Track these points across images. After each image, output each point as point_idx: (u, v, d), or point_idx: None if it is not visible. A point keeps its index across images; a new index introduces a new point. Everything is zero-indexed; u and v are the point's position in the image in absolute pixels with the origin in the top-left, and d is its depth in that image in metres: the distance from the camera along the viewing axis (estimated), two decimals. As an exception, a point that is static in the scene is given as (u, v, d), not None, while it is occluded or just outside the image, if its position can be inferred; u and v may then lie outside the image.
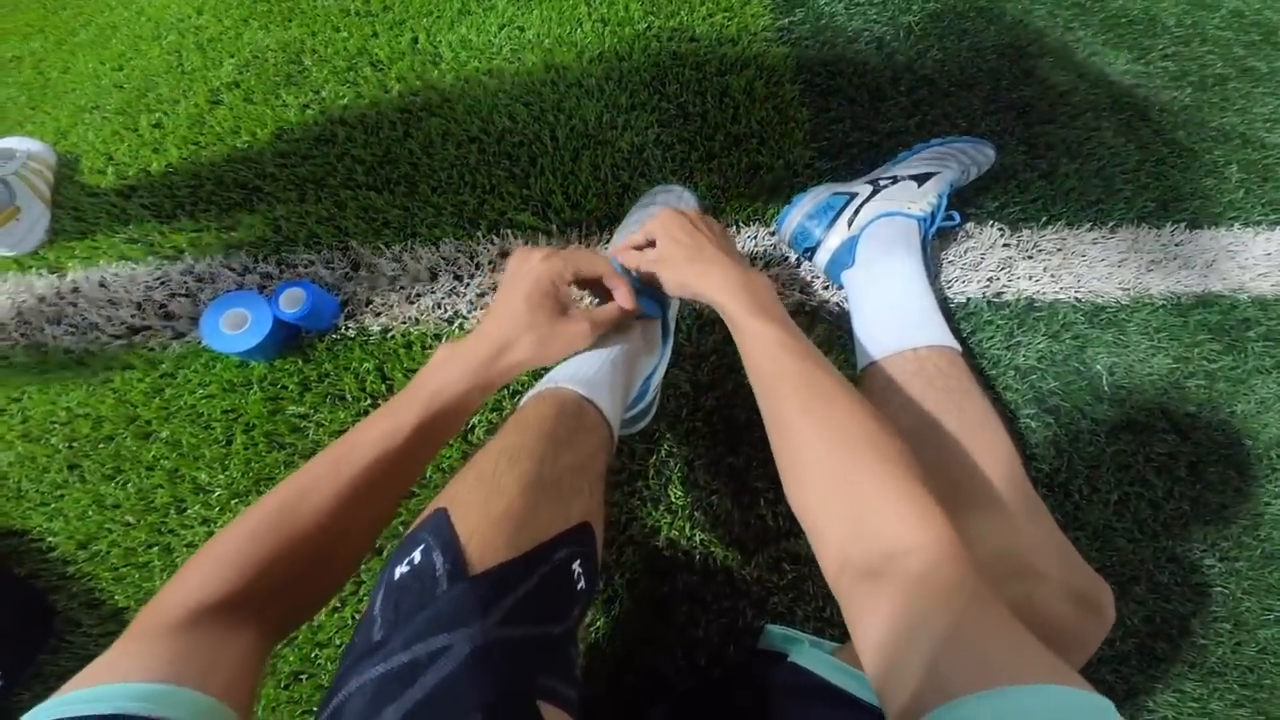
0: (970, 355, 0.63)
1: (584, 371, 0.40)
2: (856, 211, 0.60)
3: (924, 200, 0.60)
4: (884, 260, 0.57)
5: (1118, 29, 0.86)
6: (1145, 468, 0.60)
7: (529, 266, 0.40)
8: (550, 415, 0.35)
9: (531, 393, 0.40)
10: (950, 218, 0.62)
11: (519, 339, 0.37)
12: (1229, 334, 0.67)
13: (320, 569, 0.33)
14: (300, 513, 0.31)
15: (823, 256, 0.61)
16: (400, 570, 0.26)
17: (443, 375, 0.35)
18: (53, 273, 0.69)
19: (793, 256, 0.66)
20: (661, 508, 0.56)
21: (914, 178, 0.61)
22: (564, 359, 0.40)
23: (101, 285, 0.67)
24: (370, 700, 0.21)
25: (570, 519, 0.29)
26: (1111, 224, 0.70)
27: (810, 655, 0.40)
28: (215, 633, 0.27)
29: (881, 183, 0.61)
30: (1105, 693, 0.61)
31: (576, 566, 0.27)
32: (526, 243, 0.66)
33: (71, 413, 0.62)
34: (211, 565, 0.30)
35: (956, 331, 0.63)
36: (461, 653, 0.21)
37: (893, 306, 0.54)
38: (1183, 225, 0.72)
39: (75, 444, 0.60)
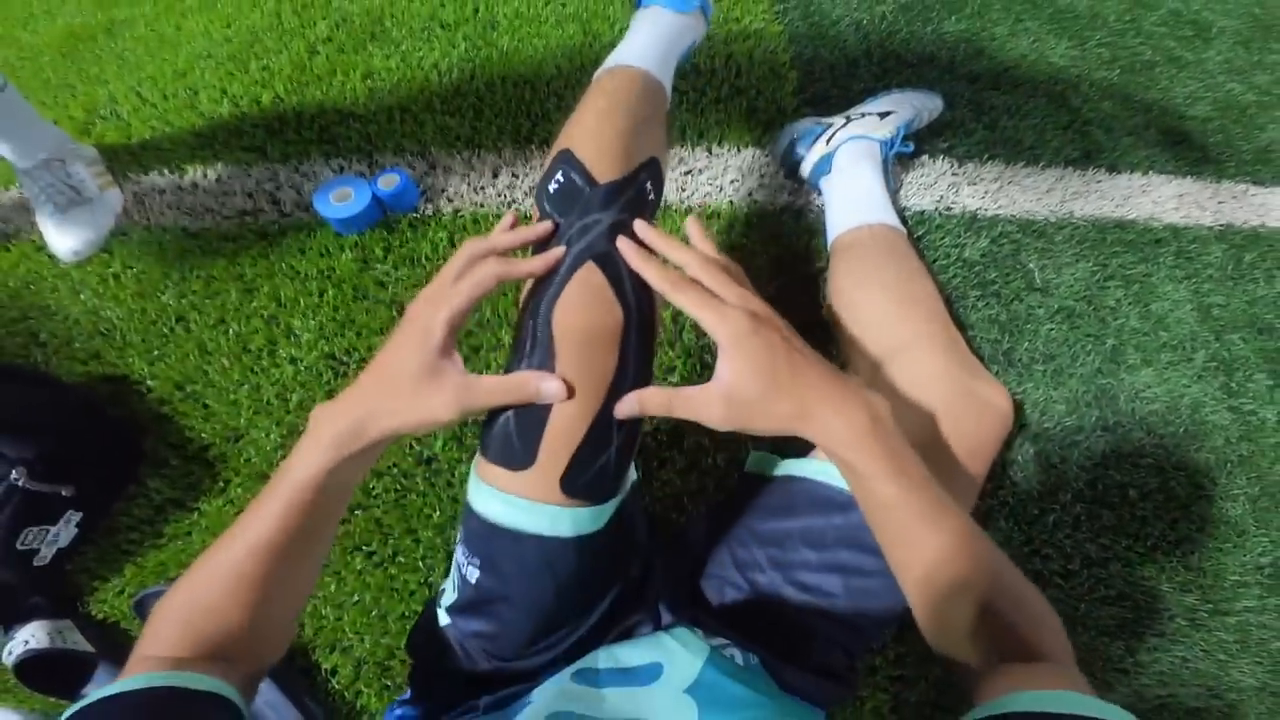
0: (920, 247, 0.77)
1: (649, 51, 0.51)
2: (833, 135, 0.76)
3: (885, 129, 0.76)
4: (852, 168, 0.72)
5: (1062, 21, 1.04)
6: (1075, 347, 0.73)
7: (418, 310, 0.35)
8: (626, 86, 0.47)
9: (608, 66, 0.50)
10: (906, 146, 0.78)
11: (380, 410, 0.33)
12: (1143, 250, 0.81)
13: (260, 636, 0.33)
14: (211, 607, 0.31)
15: (806, 167, 0.76)
16: (552, 186, 0.40)
17: (303, 460, 0.32)
18: (172, 172, 0.84)
19: (782, 170, 0.81)
20: (676, 349, 0.69)
21: (878, 114, 0.77)
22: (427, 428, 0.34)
23: (218, 181, 0.82)
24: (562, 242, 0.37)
25: (644, 155, 0.42)
26: (1042, 164, 0.86)
27: (786, 465, 0.50)
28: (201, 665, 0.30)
29: (852, 116, 0.77)
30: (1063, 560, 0.64)
31: (648, 185, 0.41)
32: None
33: (184, 274, 0.75)
34: (170, 629, 0.31)
35: (907, 227, 0.77)
36: (607, 221, 0.38)
37: (857, 199, 0.70)
38: (1103, 169, 0.87)
39: (185, 299, 0.73)
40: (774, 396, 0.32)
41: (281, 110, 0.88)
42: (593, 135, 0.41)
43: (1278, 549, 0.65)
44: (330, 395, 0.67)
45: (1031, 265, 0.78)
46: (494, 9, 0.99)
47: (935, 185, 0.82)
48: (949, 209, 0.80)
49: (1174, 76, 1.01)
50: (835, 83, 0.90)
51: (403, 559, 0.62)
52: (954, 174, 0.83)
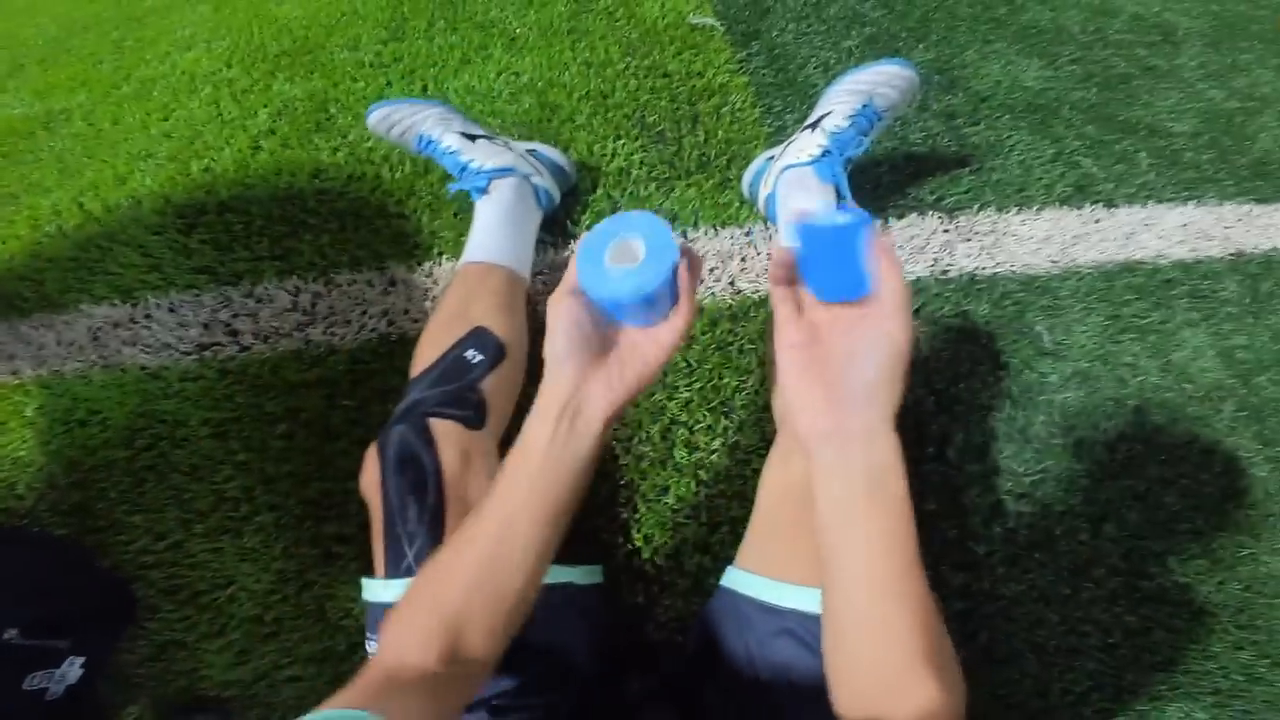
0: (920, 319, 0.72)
1: (501, 245, 0.64)
2: (770, 173, 0.69)
3: (813, 145, 0.63)
4: (785, 208, 0.65)
5: (1029, 39, 0.99)
6: (1095, 414, 0.68)
7: (550, 313, 0.35)
8: (481, 284, 0.60)
9: (464, 262, 0.63)
10: (858, 145, 0.63)
11: (582, 395, 0.33)
12: (1154, 294, 0.77)
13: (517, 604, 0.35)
14: (499, 570, 0.33)
15: (764, 211, 0.73)
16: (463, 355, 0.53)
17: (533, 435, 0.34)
18: (124, 301, 0.79)
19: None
20: (668, 467, 0.65)
21: (809, 125, 0.65)
22: (647, 383, 0.35)
23: (171, 310, 0.77)
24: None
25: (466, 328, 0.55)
26: (1035, 207, 0.82)
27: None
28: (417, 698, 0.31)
29: (787, 141, 0.68)
30: (1101, 634, 0.59)
31: (470, 353, 0.53)
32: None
33: (150, 419, 0.71)
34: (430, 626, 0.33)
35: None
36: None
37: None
38: (1100, 205, 0.83)
39: (155, 447, 0.69)
40: (899, 376, 0.32)
41: (228, 220, 0.83)
42: (431, 336, 0.57)
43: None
44: (315, 540, 0.64)
45: (1039, 327, 0.74)
46: (444, 85, 0.94)
47: (928, 246, 0.77)
48: (945, 273, 0.76)
49: (1152, 88, 0.97)
50: (810, 138, 0.86)
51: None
52: (945, 230, 0.79)
